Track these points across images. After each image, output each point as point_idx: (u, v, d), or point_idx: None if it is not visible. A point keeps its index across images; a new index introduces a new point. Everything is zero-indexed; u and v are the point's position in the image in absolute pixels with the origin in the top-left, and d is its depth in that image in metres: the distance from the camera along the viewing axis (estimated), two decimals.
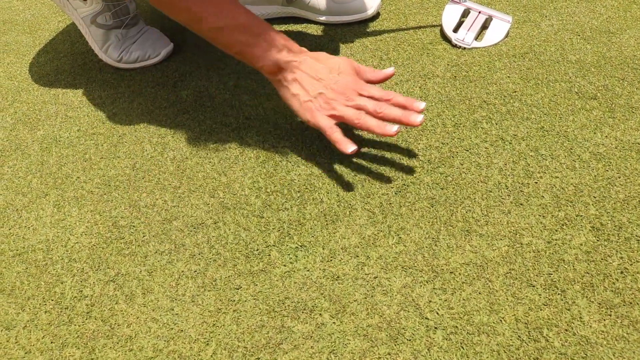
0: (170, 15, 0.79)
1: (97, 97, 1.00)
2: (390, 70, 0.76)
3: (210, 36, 0.77)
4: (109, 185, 0.81)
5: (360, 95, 0.73)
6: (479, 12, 1.05)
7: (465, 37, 1.02)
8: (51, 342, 0.62)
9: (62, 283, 0.68)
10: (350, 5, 1.10)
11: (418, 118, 0.70)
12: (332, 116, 0.73)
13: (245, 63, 0.80)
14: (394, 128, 0.70)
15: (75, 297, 0.67)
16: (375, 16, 1.14)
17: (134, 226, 0.74)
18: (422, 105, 0.72)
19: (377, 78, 0.77)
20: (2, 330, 0.64)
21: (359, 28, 1.11)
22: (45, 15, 1.31)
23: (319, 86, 0.73)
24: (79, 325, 0.64)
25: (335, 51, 1.04)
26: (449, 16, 1.05)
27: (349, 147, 0.72)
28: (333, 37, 1.09)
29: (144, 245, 0.72)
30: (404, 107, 0.73)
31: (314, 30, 1.12)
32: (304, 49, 0.78)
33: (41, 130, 0.94)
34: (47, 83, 1.05)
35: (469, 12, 1.06)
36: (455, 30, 1.04)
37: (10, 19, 1.31)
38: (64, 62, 1.11)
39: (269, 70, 0.76)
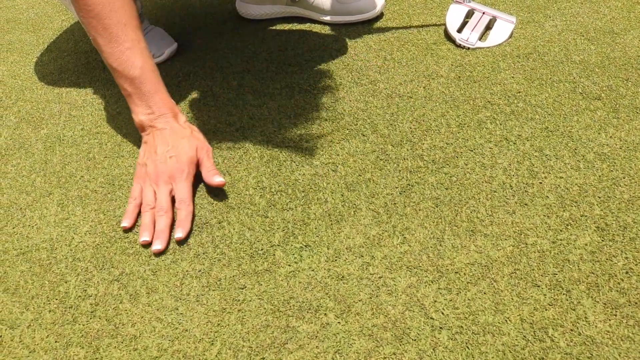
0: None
1: (101, 96, 1.00)
2: (221, 182, 0.77)
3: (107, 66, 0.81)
4: (113, 185, 0.81)
5: (167, 186, 0.75)
6: (483, 13, 1.05)
7: (469, 37, 1.02)
8: (55, 342, 0.62)
9: (66, 282, 0.68)
10: (355, 5, 1.10)
11: (153, 247, 0.71)
12: (140, 187, 0.76)
13: None
14: (142, 238, 0.72)
15: (80, 296, 0.67)
16: (379, 16, 1.14)
17: (138, 225, 0.74)
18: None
19: (207, 180, 0.77)
20: (6, 329, 0.64)
21: (363, 28, 1.11)
22: (48, 14, 1.31)
23: (149, 159, 0.77)
24: (83, 325, 0.64)
25: (339, 51, 1.04)
26: (453, 16, 1.05)
27: (123, 222, 0.74)
28: (337, 37, 1.09)
29: (148, 245, 0.72)
30: (173, 223, 0.74)
31: (318, 30, 1.12)
32: (178, 115, 0.80)
33: (45, 129, 0.94)
34: (51, 82, 1.06)
35: (473, 13, 1.06)
36: (459, 30, 1.04)
37: (14, 18, 1.31)
38: (67, 61, 1.11)
39: (137, 125, 0.81)
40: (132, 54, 0.77)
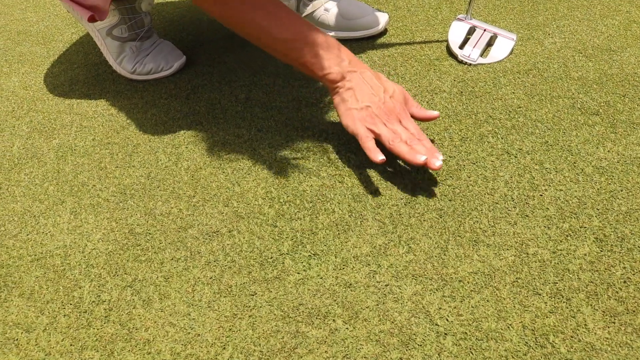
0: (230, 26, 0.84)
1: (112, 107, 1.02)
2: (435, 113, 0.81)
3: (272, 47, 0.82)
4: (125, 194, 0.83)
5: (400, 123, 0.79)
6: (484, 30, 1.08)
7: (471, 53, 1.04)
8: (70, 345, 0.64)
9: (80, 288, 0.70)
10: (359, 22, 1.13)
11: (437, 163, 0.75)
12: (370, 130, 0.79)
13: (303, 71, 0.84)
14: (422, 158, 0.75)
15: (94, 301, 0.68)
16: (383, 32, 1.17)
17: (150, 233, 0.76)
18: (440, 158, 0.76)
19: (420, 115, 0.82)
20: (22, 332, 0.66)
21: (367, 44, 1.14)
22: (58, 27, 1.34)
23: (369, 100, 0.79)
24: (98, 329, 0.65)
25: None
26: (455, 33, 1.08)
27: (379, 156, 0.76)
28: None
29: (160, 252, 0.74)
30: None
31: None
32: (365, 64, 0.84)
33: (57, 139, 0.96)
34: (62, 93, 1.08)
35: (474, 30, 1.09)
36: (461, 46, 1.07)
37: (24, 30, 1.34)
38: (78, 73, 1.14)
39: (333, 78, 0.81)
40: (297, 18, 0.81)
